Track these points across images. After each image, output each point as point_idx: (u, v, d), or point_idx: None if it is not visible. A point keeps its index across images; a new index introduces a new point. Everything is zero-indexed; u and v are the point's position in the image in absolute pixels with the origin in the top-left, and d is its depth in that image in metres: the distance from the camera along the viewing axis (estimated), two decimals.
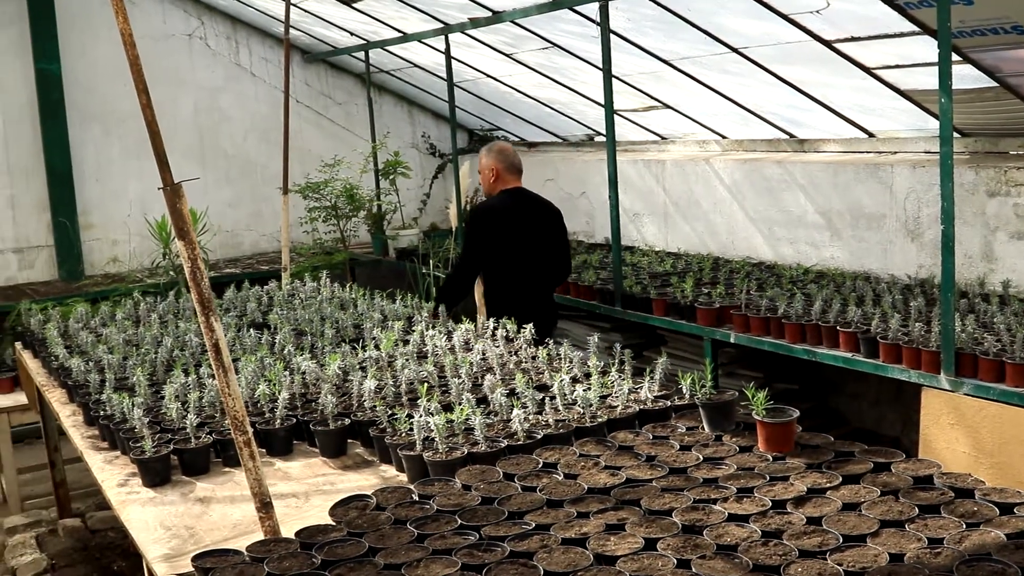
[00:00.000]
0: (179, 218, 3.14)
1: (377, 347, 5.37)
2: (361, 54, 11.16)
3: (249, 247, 11.62)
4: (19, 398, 7.79)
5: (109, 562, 6.83)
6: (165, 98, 11.30)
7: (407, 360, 5.05)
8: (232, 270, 10.71)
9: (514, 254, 6.79)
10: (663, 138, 9.87)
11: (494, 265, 6.82)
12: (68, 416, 5.36)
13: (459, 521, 3.42)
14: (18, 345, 7.19)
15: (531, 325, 5.49)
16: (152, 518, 3.94)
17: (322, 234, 10.82)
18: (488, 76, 10.35)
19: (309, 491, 4.10)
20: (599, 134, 10.71)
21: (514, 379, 4.69)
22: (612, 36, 7.47)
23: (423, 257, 9.82)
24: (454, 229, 9.84)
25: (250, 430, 3.44)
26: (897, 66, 6.72)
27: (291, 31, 8.89)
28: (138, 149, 11.25)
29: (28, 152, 10.82)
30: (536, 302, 6.79)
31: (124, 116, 11.22)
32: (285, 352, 5.48)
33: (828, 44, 6.78)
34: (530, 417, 4.28)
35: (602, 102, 9.18)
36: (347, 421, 4.47)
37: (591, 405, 4.33)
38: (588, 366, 4.82)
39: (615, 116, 7.95)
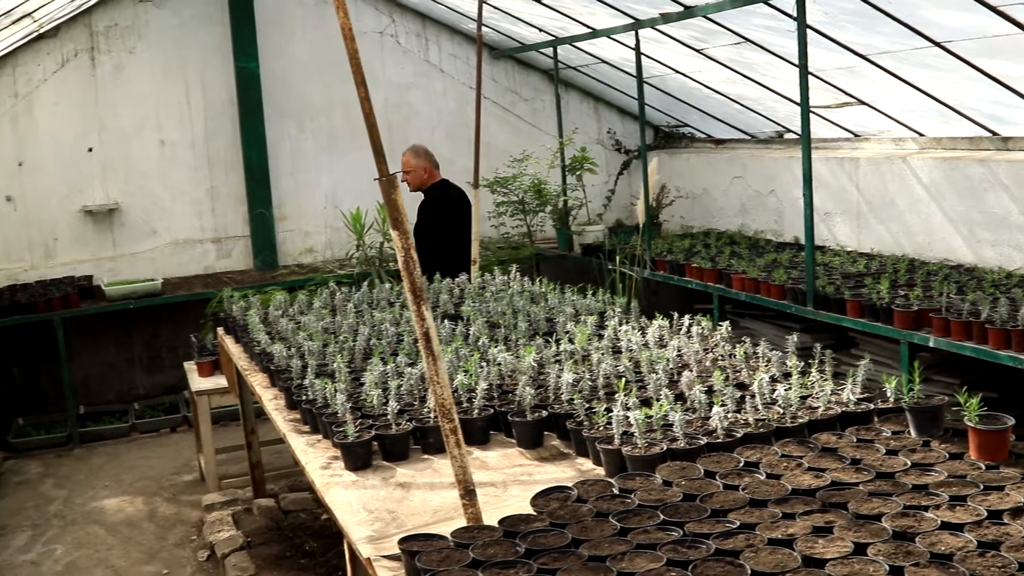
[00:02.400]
0: (394, 208, 3.20)
1: (571, 341, 5.38)
2: (549, 50, 11.21)
3: None
4: (219, 381, 8.04)
5: (301, 542, 7.02)
6: (355, 92, 11.54)
7: (603, 355, 5.05)
8: None
9: (462, 228, 8.55)
10: (856, 135, 9.63)
11: (450, 236, 8.47)
12: (270, 400, 5.53)
13: (661, 516, 3.40)
14: (220, 330, 7.43)
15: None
16: (355, 501, 4.03)
17: (509, 228, 10.91)
18: (677, 72, 10.27)
19: (507, 480, 4.13)
20: (789, 131, 10.52)
21: (711, 376, 4.65)
22: (807, 30, 7.32)
23: (609, 253, 9.81)
24: (641, 225, 9.80)
25: (457, 418, 3.48)
26: None
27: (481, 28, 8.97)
28: (330, 144, 11.56)
29: (228, 147, 11.23)
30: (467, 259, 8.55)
31: (316, 112, 11.55)
32: (479, 343, 5.54)
33: None
34: (729, 415, 4.23)
35: (793, 98, 9.05)
36: (544, 413, 4.50)
37: (791, 405, 4.26)
38: (787, 366, 4.74)
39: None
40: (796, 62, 7.52)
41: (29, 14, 9.16)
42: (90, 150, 10.91)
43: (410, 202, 8.74)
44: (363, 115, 3.17)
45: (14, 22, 9.11)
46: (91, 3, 10.63)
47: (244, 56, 11.07)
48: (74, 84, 10.81)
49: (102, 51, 10.87)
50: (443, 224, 8.50)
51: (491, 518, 3.57)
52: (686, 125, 11.94)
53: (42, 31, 10.44)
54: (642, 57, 9.46)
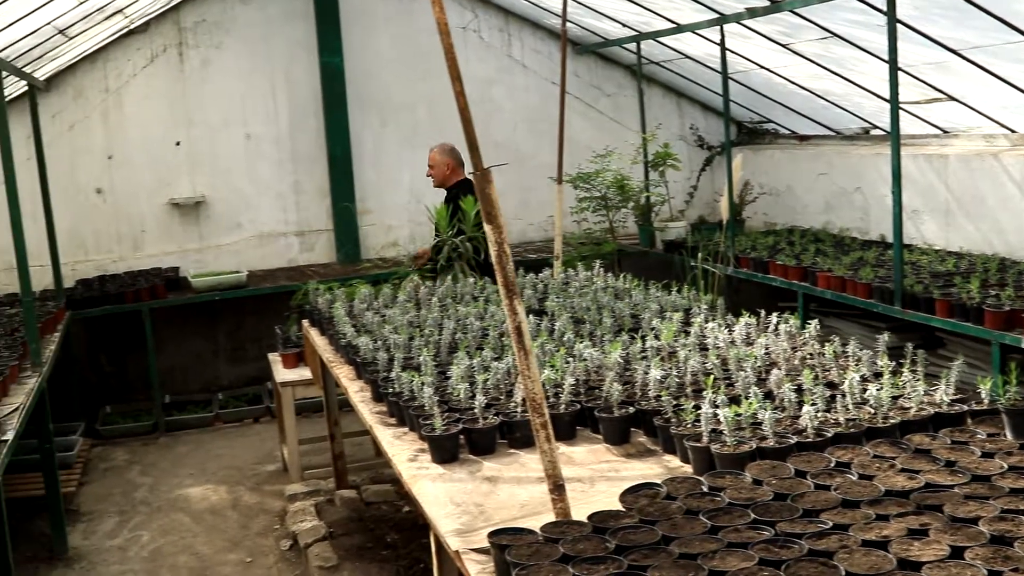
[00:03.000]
0: (488, 202, 3.21)
1: (657, 337, 5.36)
2: (632, 45, 11.16)
3: (517, 235, 11.81)
4: (303, 373, 8.12)
5: (383, 533, 7.07)
6: (441, 89, 11.63)
7: (689, 351, 5.01)
8: None
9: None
10: (945, 132, 9.48)
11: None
12: (356, 392, 5.57)
13: (752, 515, 3.37)
14: (305, 323, 7.50)
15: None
16: (442, 493, 4.04)
17: (591, 224, 10.90)
18: (761, 67, 10.17)
19: (593, 476, 4.12)
20: (875, 127, 10.38)
21: (800, 375, 4.60)
22: (897, 25, 7.21)
23: (691, 249, 9.75)
24: (724, 222, 9.73)
25: (547, 413, 3.48)
26: None
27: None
28: (412, 139, 11.62)
29: (312, 141, 11.34)
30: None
31: (399, 107, 11.63)
32: (565, 339, 5.53)
33: None
34: (819, 414, 4.19)
35: (880, 94, 8.92)
36: (631, 409, 4.48)
37: (883, 405, 4.20)
38: (877, 365, 4.67)
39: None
40: (885, 57, 7.43)
41: (120, 10, 9.34)
42: (178, 144, 11.08)
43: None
44: (459, 110, 3.17)
45: (106, 18, 9.29)
46: None
47: (328, 51, 11.16)
48: (163, 79, 10.98)
49: (190, 46, 11.03)
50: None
51: (579, 513, 3.57)
52: (770, 121, 11.83)
53: (132, 27, 10.63)
54: (727, 52, 9.39)
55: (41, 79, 9.88)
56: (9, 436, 5.71)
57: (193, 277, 10.49)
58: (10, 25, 7.16)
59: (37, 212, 9.41)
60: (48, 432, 7.30)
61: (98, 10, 8.64)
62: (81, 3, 7.81)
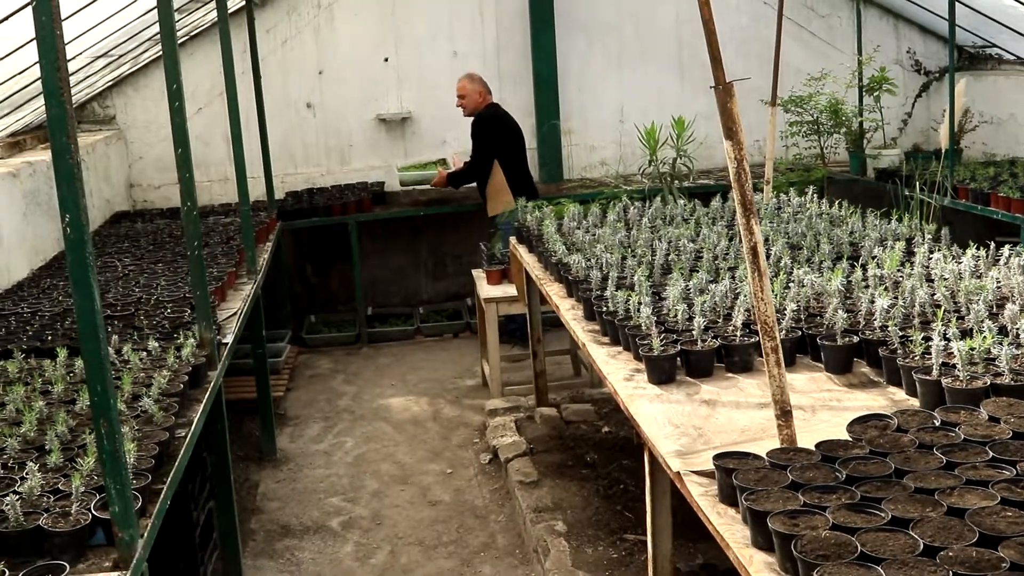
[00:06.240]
0: (729, 118, 3.11)
1: (879, 266, 5.17)
2: None
3: (721, 159, 11.55)
4: (507, 290, 8.16)
5: (582, 452, 7.09)
6: (647, 8, 11.44)
7: (916, 282, 4.81)
8: (706, 181, 10.74)
9: (519, 147, 9.66)
10: None
11: (510, 156, 9.53)
12: (568, 310, 5.57)
13: (990, 453, 3.22)
14: (513, 239, 7.52)
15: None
16: (660, 414, 4.01)
17: (802, 150, 10.60)
18: None
19: (815, 405, 4.03)
20: None
21: None
22: None
23: (906, 179, 9.39)
24: (944, 150, 9.32)
25: (779, 336, 3.39)
26: None
27: None
28: (619, 59, 11.48)
29: (517, 59, 11.29)
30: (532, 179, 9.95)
31: (606, 27, 11.46)
32: (782, 264, 5.40)
33: None
34: None
35: None
36: (855, 338, 4.34)
37: None
38: None
39: None
40: None
41: None
42: (386, 60, 11.20)
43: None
44: (702, 20, 3.07)
45: None
46: None
47: None
48: None
49: None
50: (484, 141, 9.52)
51: (803, 441, 3.48)
52: (994, 46, 11.22)
53: None
54: None
55: None
56: (229, 339, 5.91)
57: (400, 170, 10.55)
58: None
59: (251, 125, 9.59)
60: (261, 338, 7.54)
61: None
62: None
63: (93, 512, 3.47)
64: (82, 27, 6.80)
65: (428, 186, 10.51)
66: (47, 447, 4.00)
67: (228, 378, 8.31)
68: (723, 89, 3.11)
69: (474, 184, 9.87)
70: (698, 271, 5.30)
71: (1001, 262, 5.14)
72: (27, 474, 3.66)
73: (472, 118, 9.60)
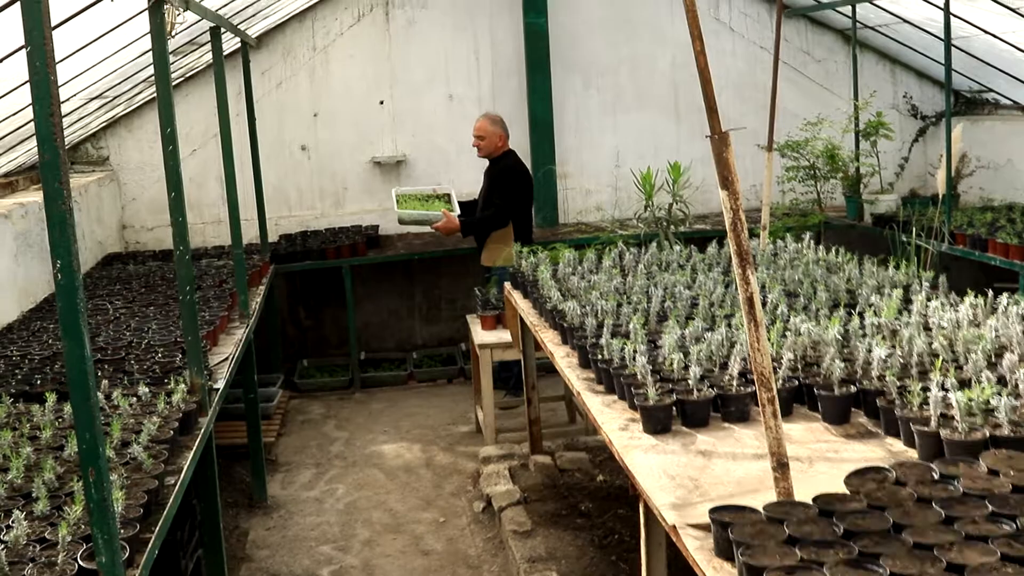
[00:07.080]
0: (725, 167, 3.08)
1: (876, 314, 5.13)
2: (846, 9, 10.75)
3: (717, 204, 11.53)
4: (502, 335, 8.09)
5: (577, 501, 7.01)
6: (643, 52, 11.47)
7: (914, 331, 4.77)
8: (702, 226, 10.71)
9: (532, 199, 9.66)
10: None
11: (524, 209, 9.35)
12: (562, 357, 5.51)
13: (990, 507, 3.16)
14: (507, 285, 7.47)
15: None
16: (655, 465, 3.95)
17: (798, 194, 10.60)
18: (986, 32, 9.66)
19: (812, 456, 3.97)
20: None
21: None
22: None
23: (903, 224, 9.37)
24: (941, 196, 9.31)
25: (775, 387, 3.34)
26: None
27: None
28: (615, 103, 11.50)
29: (513, 102, 11.28)
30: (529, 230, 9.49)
31: (602, 70, 11.49)
32: (778, 312, 5.35)
33: None
34: None
35: None
36: (853, 388, 4.29)
37: None
38: None
39: None
40: None
41: None
42: (381, 103, 11.20)
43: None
44: (698, 70, 3.03)
45: None
46: None
47: (533, 11, 11.07)
48: (368, 38, 11.10)
49: (396, 6, 11.12)
50: (512, 193, 9.20)
51: (800, 494, 3.42)
52: (991, 90, 11.25)
53: None
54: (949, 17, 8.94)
55: (253, 36, 10.09)
56: (220, 385, 5.85)
57: (399, 202, 9.91)
58: None
59: (245, 167, 9.60)
60: (253, 383, 7.48)
61: None
62: None
63: (80, 562, 3.40)
64: (77, 69, 6.78)
65: (431, 228, 9.63)
66: (34, 494, 3.94)
67: (219, 423, 8.22)
68: (719, 139, 3.07)
69: None
70: (694, 318, 5.26)
71: (999, 310, 5.09)
72: (13, 522, 3.60)
73: (488, 160, 9.44)
